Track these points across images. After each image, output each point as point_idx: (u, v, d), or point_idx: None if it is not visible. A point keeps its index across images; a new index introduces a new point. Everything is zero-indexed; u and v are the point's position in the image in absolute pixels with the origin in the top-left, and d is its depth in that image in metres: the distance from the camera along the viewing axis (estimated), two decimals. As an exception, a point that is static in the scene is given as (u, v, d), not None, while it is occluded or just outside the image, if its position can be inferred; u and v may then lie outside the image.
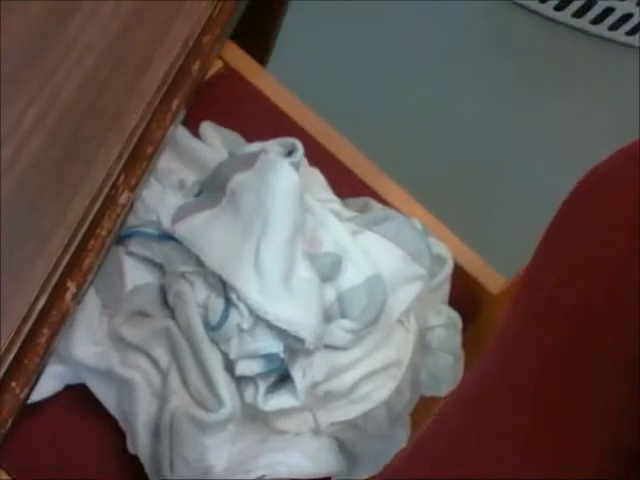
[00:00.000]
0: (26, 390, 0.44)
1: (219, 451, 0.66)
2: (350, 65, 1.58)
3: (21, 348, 0.44)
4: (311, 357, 0.67)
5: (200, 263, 0.67)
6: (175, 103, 0.57)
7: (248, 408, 0.68)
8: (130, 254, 0.71)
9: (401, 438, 0.75)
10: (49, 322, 0.45)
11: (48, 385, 0.68)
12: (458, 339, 0.79)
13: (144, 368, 0.68)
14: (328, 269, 0.70)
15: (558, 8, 1.73)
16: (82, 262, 0.48)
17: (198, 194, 0.74)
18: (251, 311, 0.65)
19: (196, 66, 0.59)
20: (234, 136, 0.85)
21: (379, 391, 0.71)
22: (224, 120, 0.88)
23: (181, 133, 0.80)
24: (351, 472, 0.74)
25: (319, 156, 0.89)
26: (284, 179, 0.68)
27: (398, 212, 0.81)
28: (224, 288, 0.67)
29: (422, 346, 0.76)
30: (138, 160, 0.52)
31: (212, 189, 0.72)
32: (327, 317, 0.68)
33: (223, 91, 0.95)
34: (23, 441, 0.67)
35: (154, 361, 0.68)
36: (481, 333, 0.85)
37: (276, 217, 0.67)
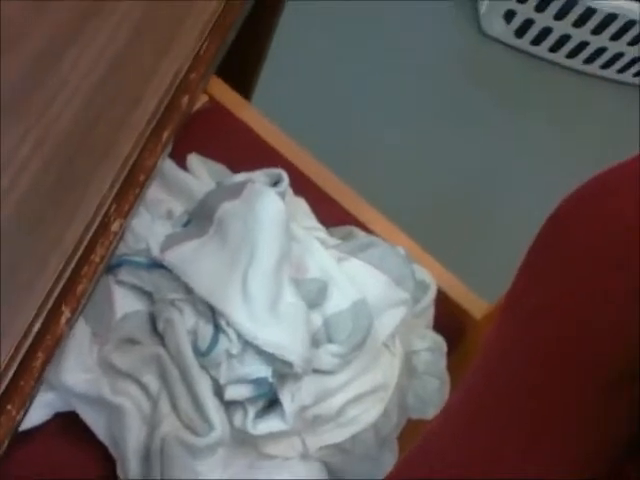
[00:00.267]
0: (22, 412, 0.45)
1: (210, 476, 0.67)
2: (333, 98, 1.61)
3: (17, 371, 0.45)
4: (299, 381, 0.68)
5: (189, 290, 0.69)
6: (165, 135, 0.58)
7: (237, 433, 0.68)
8: (119, 283, 0.72)
9: (389, 461, 0.76)
10: (44, 346, 0.47)
11: (38, 413, 0.69)
12: (443, 362, 0.80)
13: (134, 395, 0.69)
14: (314, 295, 0.71)
15: (535, 42, 1.77)
16: (76, 288, 0.49)
17: (186, 224, 0.76)
18: (240, 336, 0.66)
19: (185, 100, 0.61)
20: (220, 168, 0.86)
21: (367, 414, 0.72)
22: (210, 152, 0.90)
23: (168, 165, 0.82)
24: (339, 496, 0.75)
25: (303, 186, 0.91)
26: (270, 207, 0.70)
27: (381, 240, 0.83)
28: (213, 314, 0.68)
29: (408, 370, 0.77)
30: (131, 188, 0.53)
31: (200, 218, 0.74)
32: (314, 342, 0.70)
33: (209, 124, 0.97)
34: (13, 469, 0.68)
35: (144, 388, 0.69)
36: (466, 357, 0.86)
37: (263, 244, 0.69)
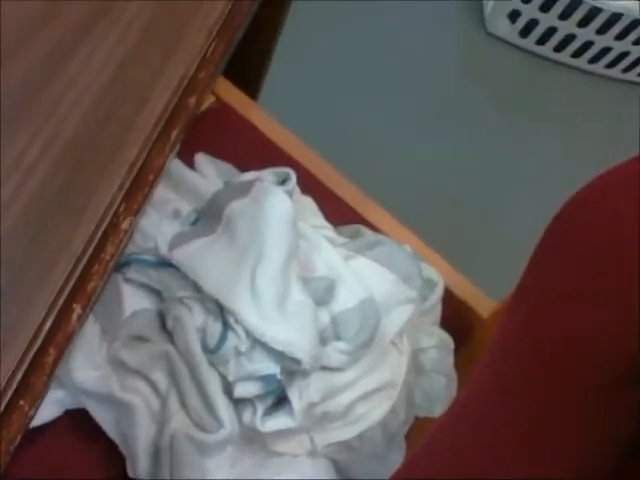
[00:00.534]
0: (34, 408, 0.46)
1: (218, 473, 0.67)
2: (338, 97, 1.61)
3: (29, 368, 0.45)
4: (308, 379, 0.68)
5: (197, 288, 0.69)
6: (173, 134, 0.59)
7: (246, 430, 0.69)
8: (128, 281, 0.73)
9: (396, 459, 0.76)
10: (55, 342, 0.47)
11: (48, 410, 0.69)
12: (450, 360, 0.80)
13: (143, 392, 0.69)
14: (322, 293, 0.72)
15: (540, 42, 1.77)
16: (87, 285, 0.49)
17: (194, 223, 0.76)
18: (248, 334, 0.67)
19: (192, 100, 0.61)
20: (227, 167, 0.87)
21: (374, 411, 0.72)
22: (217, 152, 0.91)
23: (176, 165, 0.83)
24: (347, 494, 0.76)
25: (310, 185, 0.91)
26: (279, 206, 0.71)
27: (389, 238, 0.83)
28: (221, 312, 0.68)
29: (415, 367, 0.78)
30: (140, 187, 0.54)
31: (208, 217, 0.74)
32: (322, 340, 0.70)
33: (216, 124, 0.98)
34: (23, 465, 0.68)
35: (153, 385, 0.69)
36: (473, 355, 0.87)
37: (271, 242, 0.69)
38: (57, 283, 0.48)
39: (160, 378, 0.69)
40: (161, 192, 0.79)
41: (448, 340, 0.82)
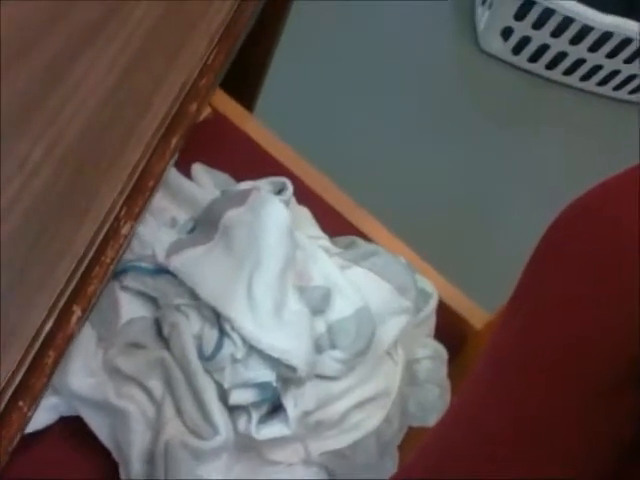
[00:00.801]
0: (33, 409, 0.46)
1: (212, 481, 0.68)
2: (334, 110, 1.62)
3: (28, 369, 0.46)
4: (303, 387, 0.69)
5: (194, 296, 0.70)
6: (174, 141, 0.59)
7: (241, 438, 0.69)
8: (125, 289, 0.73)
9: (389, 468, 0.76)
10: (55, 344, 0.47)
11: (42, 417, 0.69)
12: (444, 371, 0.81)
13: (138, 399, 0.69)
14: (318, 302, 0.72)
15: (532, 60, 1.79)
16: (87, 288, 0.50)
17: (191, 231, 0.77)
18: (244, 341, 0.67)
19: (193, 107, 0.62)
20: (224, 177, 0.87)
21: (369, 420, 0.72)
22: (213, 163, 0.91)
23: (173, 174, 0.83)
24: (341, 503, 0.76)
25: (305, 197, 0.92)
26: (276, 214, 0.71)
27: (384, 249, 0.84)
28: (218, 319, 0.69)
29: (409, 377, 0.78)
30: (140, 192, 0.54)
31: (205, 225, 0.75)
32: (317, 348, 0.70)
33: (212, 136, 0.98)
34: (17, 472, 0.68)
35: (148, 392, 0.69)
36: (466, 366, 0.87)
37: (268, 251, 0.69)
38: (57, 286, 0.48)
39: (156, 385, 0.69)
40: (158, 201, 0.80)
41: (442, 351, 0.82)
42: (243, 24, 0.65)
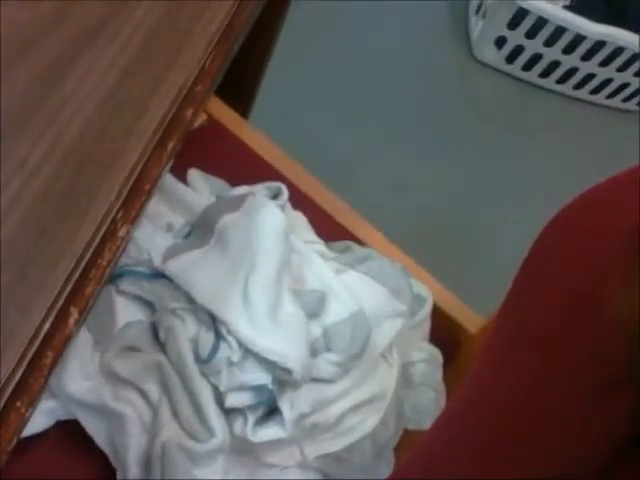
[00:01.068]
0: (30, 410, 0.46)
1: (209, 484, 0.68)
2: (329, 117, 1.63)
3: (26, 369, 0.46)
4: (298, 390, 0.69)
5: (190, 300, 0.70)
6: (170, 145, 0.60)
7: (237, 441, 0.69)
8: (121, 293, 0.73)
9: (385, 471, 0.76)
10: (53, 345, 0.47)
11: (39, 421, 0.69)
12: (439, 374, 0.81)
13: (135, 402, 0.70)
14: (313, 305, 0.73)
15: (526, 68, 1.81)
16: (84, 290, 0.50)
17: (187, 236, 0.77)
18: (240, 344, 0.67)
19: (189, 112, 0.62)
20: (220, 182, 0.88)
21: (364, 423, 0.73)
22: (209, 170, 0.92)
23: (169, 179, 0.84)
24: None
25: (301, 203, 0.93)
26: (271, 219, 0.72)
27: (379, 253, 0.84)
28: (214, 323, 0.69)
29: (405, 381, 0.78)
30: (137, 196, 0.55)
31: (201, 230, 0.75)
32: (313, 351, 0.71)
33: (208, 142, 0.99)
34: (14, 476, 0.68)
35: (145, 395, 0.70)
36: (461, 370, 0.88)
37: (263, 254, 0.70)
38: (55, 287, 0.48)
39: (152, 388, 0.70)
40: (154, 206, 0.80)
41: (437, 354, 0.83)
42: (240, 29, 0.66)
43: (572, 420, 0.42)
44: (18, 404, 0.45)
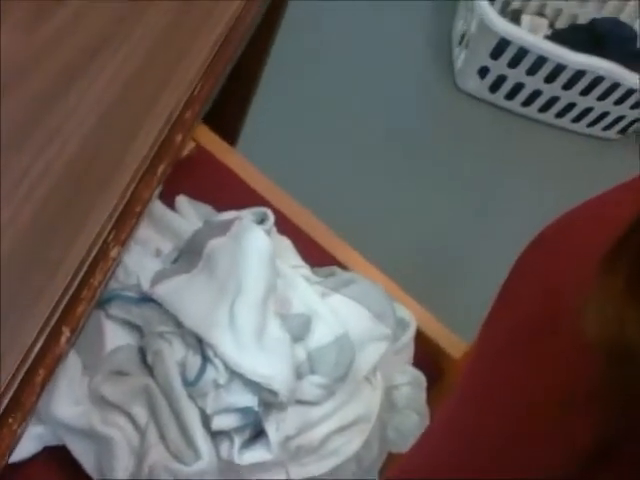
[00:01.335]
0: (22, 427, 0.47)
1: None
2: (314, 146, 1.65)
3: (19, 386, 0.47)
4: (284, 412, 0.70)
5: (178, 323, 0.71)
6: (160, 169, 0.61)
7: (224, 464, 0.70)
8: (110, 317, 0.74)
9: (370, 494, 0.77)
10: (45, 363, 0.49)
11: (27, 446, 0.70)
12: (423, 397, 0.82)
13: (123, 426, 0.70)
14: (298, 329, 0.74)
15: (508, 97, 1.84)
16: (76, 309, 0.51)
17: (175, 261, 0.79)
18: (227, 367, 0.68)
19: (179, 138, 0.64)
20: (207, 209, 0.89)
21: (348, 445, 0.73)
22: (197, 197, 0.93)
23: (158, 206, 0.85)
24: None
25: (287, 229, 0.94)
26: (257, 243, 0.73)
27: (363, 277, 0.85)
28: (201, 346, 0.70)
29: (389, 404, 0.79)
30: (128, 218, 0.56)
31: (189, 254, 0.77)
32: (298, 375, 0.72)
33: (196, 170, 1.01)
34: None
35: (133, 419, 0.70)
36: (445, 395, 0.89)
37: (250, 277, 0.71)
38: (48, 306, 0.50)
39: (140, 412, 0.70)
40: (143, 232, 0.81)
41: (421, 378, 0.84)
42: (227, 58, 0.68)
43: (538, 435, 0.43)
44: (10, 420, 0.46)
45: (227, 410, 0.69)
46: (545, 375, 0.43)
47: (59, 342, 0.50)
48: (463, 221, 1.67)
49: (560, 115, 1.85)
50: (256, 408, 0.68)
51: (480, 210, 1.70)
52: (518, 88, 1.80)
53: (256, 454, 0.69)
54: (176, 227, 0.84)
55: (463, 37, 1.83)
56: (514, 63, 1.72)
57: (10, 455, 0.47)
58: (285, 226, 0.94)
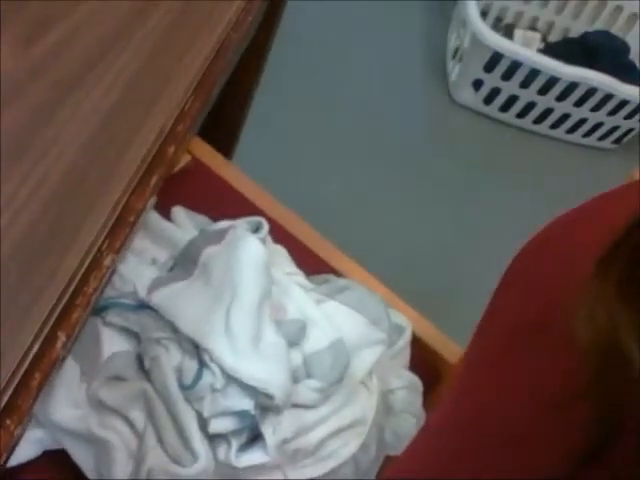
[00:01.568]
0: (20, 429, 0.48)
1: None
2: (309, 157, 1.67)
3: (15, 390, 0.48)
4: (280, 415, 0.71)
5: (174, 330, 0.72)
6: (153, 180, 0.63)
7: (221, 467, 0.71)
8: (107, 324, 0.75)
9: (367, 497, 0.78)
10: (41, 367, 0.50)
11: (26, 450, 0.71)
12: (419, 401, 0.83)
13: (121, 430, 0.71)
14: (294, 334, 0.75)
15: (503, 109, 1.86)
16: (71, 315, 0.53)
17: (171, 269, 0.80)
18: (223, 371, 0.70)
19: (171, 150, 0.66)
20: (203, 219, 0.91)
21: (345, 448, 0.74)
22: (193, 208, 0.95)
23: (153, 217, 0.87)
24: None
25: (282, 239, 0.95)
26: (252, 250, 0.75)
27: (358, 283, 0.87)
28: (197, 351, 0.71)
29: (385, 408, 0.80)
30: (121, 227, 0.58)
31: (185, 262, 0.78)
32: (294, 379, 0.73)
33: (192, 183, 1.02)
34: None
35: (131, 423, 0.71)
36: (440, 398, 0.90)
37: (245, 285, 0.73)
38: (43, 312, 0.51)
39: (138, 416, 0.71)
40: (140, 242, 0.83)
41: (417, 382, 0.85)
42: (217, 73, 0.69)
43: (532, 434, 0.44)
44: (8, 422, 0.48)
45: (224, 413, 0.70)
46: (538, 377, 0.44)
47: (55, 347, 0.51)
48: (458, 231, 1.68)
49: (555, 126, 1.87)
50: (252, 411, 0.69)
51: (478, 220, 1.71)
52: (512, 100, 1.82)
53: (253, 457, 0.70)
54: (172, 236, 0.85)
55: (457, 51, 1.85)
56: (507, 76, 1.74)
57: (8, 457, 0.49)
58: (280, 235, 0.96)
